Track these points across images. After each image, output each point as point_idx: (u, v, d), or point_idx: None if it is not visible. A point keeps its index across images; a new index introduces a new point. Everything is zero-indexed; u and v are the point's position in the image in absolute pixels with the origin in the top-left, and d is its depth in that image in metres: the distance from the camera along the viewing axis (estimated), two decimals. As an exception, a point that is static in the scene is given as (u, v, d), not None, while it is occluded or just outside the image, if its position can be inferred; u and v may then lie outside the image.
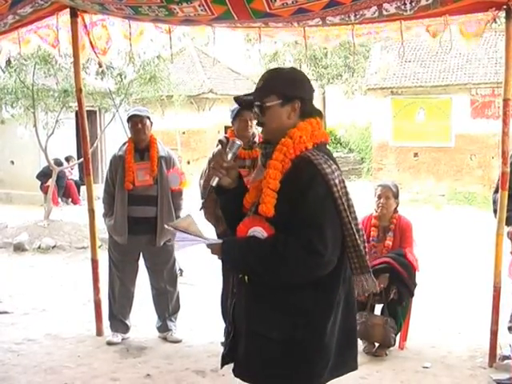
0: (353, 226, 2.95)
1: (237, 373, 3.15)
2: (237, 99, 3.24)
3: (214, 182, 3.07)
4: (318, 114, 3.12)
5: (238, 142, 3.13)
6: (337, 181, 2.89)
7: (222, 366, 3.26)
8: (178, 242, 3.10)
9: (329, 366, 3.02)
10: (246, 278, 3.03)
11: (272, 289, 2.95)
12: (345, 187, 2.94)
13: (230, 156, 3.08)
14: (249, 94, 3.16)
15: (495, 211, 5.87)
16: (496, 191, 5.91)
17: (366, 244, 5.78)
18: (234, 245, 3.01)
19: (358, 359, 3.22)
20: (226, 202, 3.19)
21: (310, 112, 3.06)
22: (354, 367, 3.21)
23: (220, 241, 3.04)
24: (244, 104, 3.21)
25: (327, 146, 3.11)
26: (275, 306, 2.95)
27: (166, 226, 3.19)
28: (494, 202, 5.91)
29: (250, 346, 3.04)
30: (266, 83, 3.08)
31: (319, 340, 2.96)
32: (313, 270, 2.87)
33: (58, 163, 16.27)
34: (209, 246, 3.03)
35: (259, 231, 2.94)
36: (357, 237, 2.97)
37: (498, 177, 5.93)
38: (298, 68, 3.35)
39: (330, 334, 2.98)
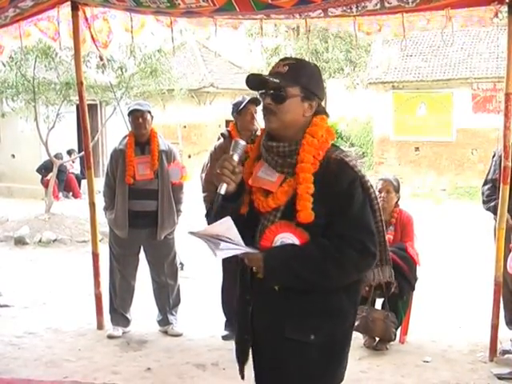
0: (383, 223, 3.04)
1: (262, 381, 3.05)
2: (251, 76, 2.93)
3: (223, 189, 2.81)
4: (327, 115, 3.04)
5: (242, 142, 2.90)
6: (369, 183, 2.93)
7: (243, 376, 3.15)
8: (223, 250, 2.73)
9: None
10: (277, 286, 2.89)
11: (307, 294, 2.85)
12: (372, 187, 2.98)
13: (236, 158, 2.84)
14: (266, 76, 2.90)
15: (483, 202, 6.11)
16: (485, 183, 6.04)
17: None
18: (276, 255, 2.80)
19: None
20: (229, 209, 2.88)
21: (320, 113, 2.98)
22: None
23: (257, 251, 2.81)
24: (252, 84, 2.92)
25: None
26: (312, 310, 2.86)
27: (192, 232, 2.77)
28: (483, 194, 6.13)
29: (281, 353, 2.92)
30: (293, 71, 2.86)
31: (350, 336, 3.03)
32: (365, 270, 2.92)
33: (59, 157, 16.26)
34: (244, 255, 2.83)
35: (289, 237, 2.80)
36: (385, 233, 3.07)
37: (488, 170, 6.05)
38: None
39: None
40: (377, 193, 6.07)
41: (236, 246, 2.74)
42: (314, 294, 2.85)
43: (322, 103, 3.03)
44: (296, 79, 2.86)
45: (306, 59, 3.22)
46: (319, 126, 2.90)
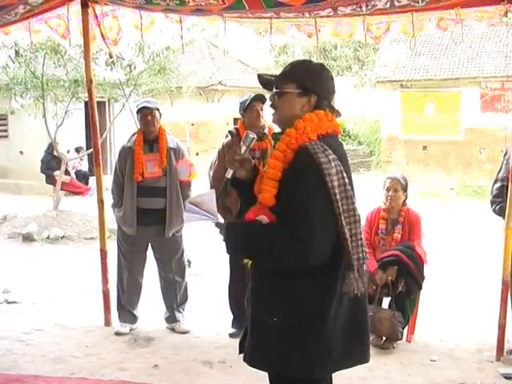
0: (343, 217, 2.91)
1: (244, 358, 3.20)
2: (259, 76, 3.26)
3: (229, 174, 3.18)
4: (336, 113, 3.14)
5: (251, 136, 3.22)
6: (333, 171, 2.89)
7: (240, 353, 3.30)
8: (186, 214, 3.39)
9: (333, 356, 3.04)
10: (250, 263, 3.14)
11: (273, 275, 3.02)
12: (343, 178, 2.92)
13: (243, 149, 3.19)
14: (273, 75, 3.23)
15: (492, 202, 5.99)
16: (495, 182, 5.99)
17: (375, 237, 5.74)
18: (237, 226, 3.13)
19: (369, 352, 3.23)
20: (242, 194, 3.25)
21: (322, 108, 3.09)
22: (363, 360, 3.21)
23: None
24: (263, 82, 3.24)
25: (336, 138, 3.12)
26: (275, 292, 3.02)
27: (187, 203, 3.35)
28: (491, 193, 6.05)
29: (253, 332, 3.12)
30: (291, 70, 3.16)
31: (319, 327, 3.00)
32: (300, 257, 2.91)
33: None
34: (217, 225, 3.19)
35: (264, 219, 3.02)
36: (345, 229, 2.92)
37: (499, 168, 6.01)
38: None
39: (333, 323, 3.01)
40: (384, 190, 6.08)
41: (203, 214, 3.18)
42: (277, 276, 3.00)
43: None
44: (292, 76, 3.12)
45: (314, 57, 3.34)
46: (306, 119, 3.03)
